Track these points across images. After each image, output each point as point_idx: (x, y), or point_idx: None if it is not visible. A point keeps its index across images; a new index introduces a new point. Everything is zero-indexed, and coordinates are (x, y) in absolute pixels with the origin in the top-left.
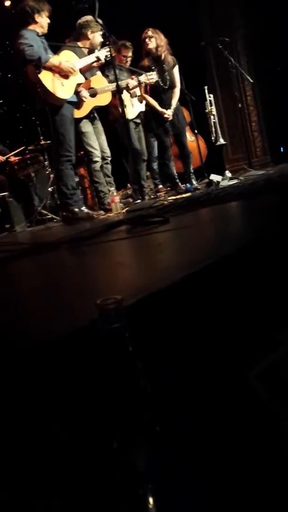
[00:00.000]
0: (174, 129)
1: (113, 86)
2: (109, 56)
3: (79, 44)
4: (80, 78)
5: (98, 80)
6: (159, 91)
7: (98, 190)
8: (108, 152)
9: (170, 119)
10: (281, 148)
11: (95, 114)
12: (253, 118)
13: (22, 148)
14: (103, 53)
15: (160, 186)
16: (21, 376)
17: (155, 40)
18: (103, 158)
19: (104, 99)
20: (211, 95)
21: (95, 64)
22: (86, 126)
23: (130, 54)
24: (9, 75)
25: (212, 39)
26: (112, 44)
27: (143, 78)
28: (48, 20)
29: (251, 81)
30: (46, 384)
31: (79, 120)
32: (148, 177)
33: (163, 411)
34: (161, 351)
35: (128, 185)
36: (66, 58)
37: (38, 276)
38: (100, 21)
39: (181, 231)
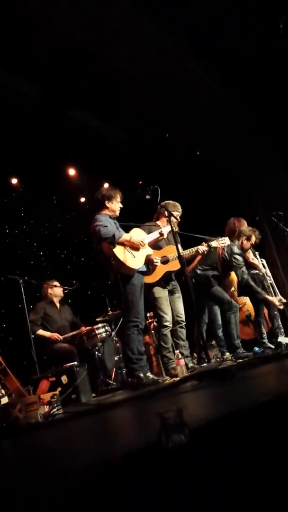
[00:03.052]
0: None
1: (182, 253)
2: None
3: (159, 222)
4: (149, 250)
5: (170, 249)
6: None
7: (164, 354)
8: (183, 317)
9: None
10: None
11: (175, 283)
12: None
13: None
14: (166, 230)
15: (227, 353)
16: None
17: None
18: (178, 323)
19: (175, 265)
20: (263, 260)
21: (159, 238)
22: (159, 292)
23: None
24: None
25: (266, 214)
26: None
27: (214, 243)
28: (119, 205)
29: None
30: None
31: (152, 286)
32: (214, 346)
33: None
34: None
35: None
36: (136, 234)
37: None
38: (167, 205)
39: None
